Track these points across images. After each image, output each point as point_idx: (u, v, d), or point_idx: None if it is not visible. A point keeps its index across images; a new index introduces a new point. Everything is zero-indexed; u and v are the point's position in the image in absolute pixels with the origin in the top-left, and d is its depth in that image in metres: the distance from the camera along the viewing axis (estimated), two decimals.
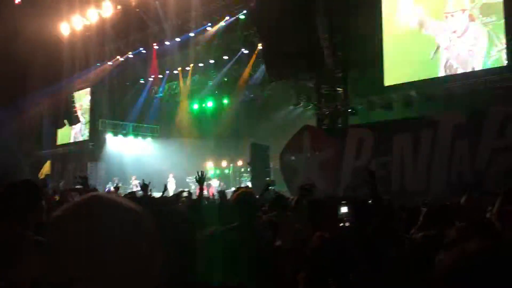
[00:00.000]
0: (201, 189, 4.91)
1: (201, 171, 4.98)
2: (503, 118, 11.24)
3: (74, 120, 23.10)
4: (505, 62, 12.66)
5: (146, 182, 4.98)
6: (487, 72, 12.95)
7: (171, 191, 19.01)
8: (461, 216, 4.14)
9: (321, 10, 14.67)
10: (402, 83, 14.65)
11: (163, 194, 6.41)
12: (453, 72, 13.67)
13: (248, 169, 18.46)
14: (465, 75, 13.43)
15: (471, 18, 13.34)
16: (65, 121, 23.39)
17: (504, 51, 12.66)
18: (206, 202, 6.18)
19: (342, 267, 2.66)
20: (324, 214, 3.35)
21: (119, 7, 20.28)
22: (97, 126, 23.28)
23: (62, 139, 25.58)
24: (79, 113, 23.90)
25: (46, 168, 23.00)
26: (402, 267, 2.84)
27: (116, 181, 20.88)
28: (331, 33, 15.15)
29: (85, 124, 24.32)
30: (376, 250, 2.74)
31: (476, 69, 13.27)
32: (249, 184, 17.67)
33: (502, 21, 12.67)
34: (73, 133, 25.12)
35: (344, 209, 3.32)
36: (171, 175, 20.42)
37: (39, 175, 22.48)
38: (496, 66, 12.89)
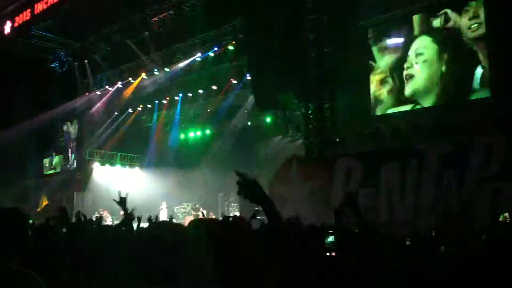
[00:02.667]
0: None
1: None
2: (486, 147, 11.37)
3: (60, 150, 22.87)
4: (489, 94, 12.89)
5: (123, 195, 4.31)
6: (473, 103, 13.15)
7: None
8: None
9: (310, 41, 14.88)
10: (390, 113, 14.83)
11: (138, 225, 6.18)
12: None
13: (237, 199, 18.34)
14: (450, 106, 13.63)
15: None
16: (52, 150, 23.15)
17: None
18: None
19: None
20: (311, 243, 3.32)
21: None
22: (84, 156, 23.09)
23: (49, 169, 25.30)
24: (66, 142, 23.70)
25: (44, 202, 22.75)
26: None
27: (102, 212, 20.64)
28: (320, 63, 15.34)
29: (72, 153, 24.12)
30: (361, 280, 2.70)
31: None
32: (237, 214, 17.55)
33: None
34: (59, 163, 24.89)
35: (330, 239, 3.29)
36: (164, 203, 20.22)
37: (38, 210, 22.24)
38: (481, 97, 13.11)
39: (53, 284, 2.51)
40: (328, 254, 3.27)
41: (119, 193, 4.20)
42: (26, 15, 20.33)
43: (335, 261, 3.10)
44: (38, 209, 22.35)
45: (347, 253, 3.44)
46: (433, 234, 5.97)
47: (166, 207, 20.36)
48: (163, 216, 20.03)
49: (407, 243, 5.14)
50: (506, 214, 8.28)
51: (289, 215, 6.94)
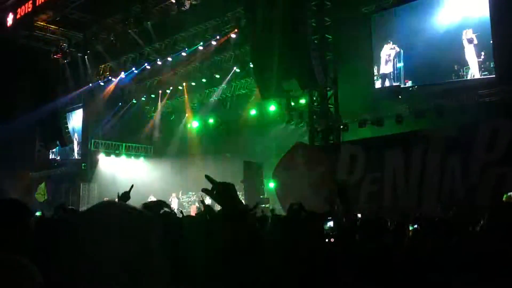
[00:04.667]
0: None
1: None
2: (492, 131, 11.30)
3: (66, 141, 22.90)
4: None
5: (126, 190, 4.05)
6: (477, 84, 13.00)
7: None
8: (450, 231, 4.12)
9: (312, 28, 14.78)
10: (393, 100, 14.75)
11: None
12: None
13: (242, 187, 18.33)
14: (455, 89, 13.48)
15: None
16: (56, 142, 23.20)
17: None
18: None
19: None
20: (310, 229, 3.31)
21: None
22: (89, 147, 23.17)
23: (54, 160, 25.46)
24: (71, 134, 23.76)
25: (41, 189, 22.89)
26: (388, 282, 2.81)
27: None
28: (322, 50, 15.25)
29: (77, 144, 24.20)
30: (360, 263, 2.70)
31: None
32: (243, 202, 17.55)
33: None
34: (64, 154, 25.01)
35: (330, 224, 3.30)
36: (173, 195, 20.20)
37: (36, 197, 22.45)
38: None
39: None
40: (327, 240, 3.28)
41: (118, 194, 4.03)
42: (28, 7, 20.30)
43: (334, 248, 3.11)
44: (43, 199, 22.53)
45: (349, 239, 3.43)
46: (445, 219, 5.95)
47: (176, 197, 20.34)
48: (174, 206, 20.09)
49: (411, 228, 5.14)
50: (510, 194, 8.24)
51: (293, 202, 6.94)
